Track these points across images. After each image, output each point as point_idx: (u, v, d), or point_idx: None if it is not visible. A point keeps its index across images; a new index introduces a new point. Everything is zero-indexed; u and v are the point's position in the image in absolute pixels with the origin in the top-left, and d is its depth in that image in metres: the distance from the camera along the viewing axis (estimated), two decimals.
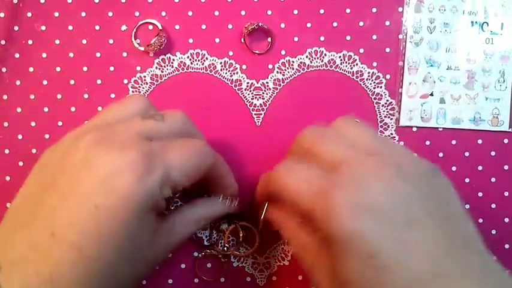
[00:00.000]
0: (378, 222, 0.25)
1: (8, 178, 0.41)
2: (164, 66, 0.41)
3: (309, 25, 0.41)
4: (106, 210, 0.26)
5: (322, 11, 0.41)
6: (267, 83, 0.42)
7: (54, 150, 0.30)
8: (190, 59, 0.41)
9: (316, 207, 0.27)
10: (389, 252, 0.24)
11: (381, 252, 0.24)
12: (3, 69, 0.41)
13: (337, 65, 0.42)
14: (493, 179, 0.42)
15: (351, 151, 0.28)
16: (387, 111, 0.42)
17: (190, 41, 0.41)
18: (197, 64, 0.41)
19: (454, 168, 0.42)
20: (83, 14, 0.41)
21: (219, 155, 0.34)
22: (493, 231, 0.42)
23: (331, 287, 0.27)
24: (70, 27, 0.41)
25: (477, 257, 0.26)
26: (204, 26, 0.41)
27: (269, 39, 0.41)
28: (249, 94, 0.41)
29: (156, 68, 0.41)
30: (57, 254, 0.25)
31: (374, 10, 0.42)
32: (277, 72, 0.42)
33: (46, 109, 0.41)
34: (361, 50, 0.42)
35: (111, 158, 0.26)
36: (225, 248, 0.41)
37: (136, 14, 0.41)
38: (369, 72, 0.42)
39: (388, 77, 0.42)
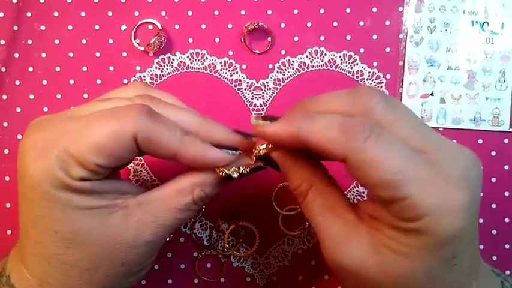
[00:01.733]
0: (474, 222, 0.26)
1: (7, 178, 0.41)
2: (164, 66, 0.41)
3: (309, 25, 0.41)
4: (22, 196, 0.28)
5: (322, 11, 0.41)
6: (267, 82, 0.41)
7: None
8: (190, 59, 0.41)
9: (428, 198, 0.23)
10: (465, 258, 0.26)
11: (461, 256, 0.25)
12: (3, 69, 0.41)
13: (338, 64, 0.42)
14: (493, 179, 0.42)
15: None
16: None
17: (190, 40, 0.41)
18: (197, 64, 0.41)
19: None
20: (83, 13, 0.41)
21: (159, 118, 0.27)
22: (493, 231, 0.42)
23: (369, 268, 0.26)
24: (70, 27, 0.41)
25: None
26: (204, 26, 0.41)
27: (269, 39, 0.41)
28: (249, 94, 0.41)
29: (156, 67, 0.41)
30: (25, 245, 0.29)
31: (374, 10, 0.41)
32: (277, 72, 0.41)
33: (46, 109, 0.41)
34: (362, 50, 0.42)
35: (22, 143, 0.27)
36: (225, 248, 0.41)
37: (136, 13, 0.41)
38: (369, 72, 0.42)
39: (388, 76, 0.42)
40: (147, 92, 0.30)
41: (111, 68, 0.41)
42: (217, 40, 0.41)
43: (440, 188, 0.24)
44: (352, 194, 0.42)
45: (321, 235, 0.27)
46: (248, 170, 0.29)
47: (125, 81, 0.41)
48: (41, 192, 0.26)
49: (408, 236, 0.24)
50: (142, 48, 0.41)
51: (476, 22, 0.41)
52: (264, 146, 0.29)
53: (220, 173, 0.29)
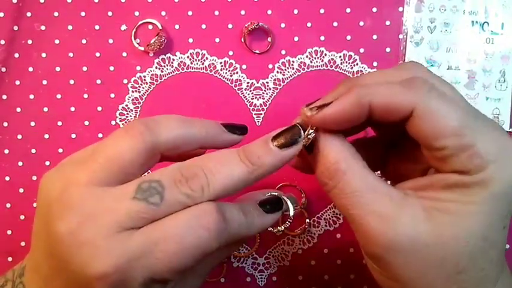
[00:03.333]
0: None
1: (7, 178, 0.41)
2: (164, 66, 0.41)
3: (309, 25, 0.41)
4: None
5: (322, 11, 0.41)
6: (267, 82, 0.41)
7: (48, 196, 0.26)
8: (190, 59, 0.41)
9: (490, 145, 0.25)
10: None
11: None
12: (3, 69, 0.41)
13: (338, 64, 0.42)
14: None
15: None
16: None
17: (190, 40, 0.41)
18: (197, 64, 0.41)
19: None
20: (83, 14, 0.41)
21: (233, 220, 0.27)
22: None
23: (429, 240, 0.25)
24: (70, 27, 0.41)
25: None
26: (204, 26, 0.41)
27: (269, 39, 0.41)
28: (249, 94, 0.41)
29: (156, 67, 0.41)
30: None
31: (374, 10, 0.41)
32: (278, 72, 0.41)
33: (46, 109, 0.41)
34: (362, 50, 0.42)
35: (79, 267, 0.24)
36: None
37: (136, 13, 0.41)
38: (369, 72, 0.42)
39: None
40: (154, 132, 0.27)
41: (111, 68, 0.41)
42: (217, 40, 0.41)
43: (500, 138, 0.25)
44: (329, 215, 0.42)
45: (366, 218, 0.26)
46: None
47: (125, 81, 0.41)
48: None
49: (470, 191, 0.25)
50: (142, 48, 0.41)
51: (476, 22, 0.41)
52: (311, 131, 0.28)
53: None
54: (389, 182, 0.36)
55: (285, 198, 0.31)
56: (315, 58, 0.41)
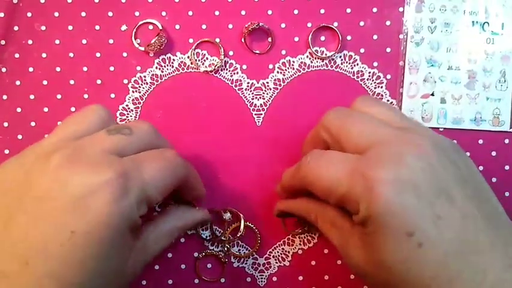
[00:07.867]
0: (419, 198, 0.25)
1: None
2: (164, 66, 0.41)
3: (309, 25, 0.41)
4: (83, 235, 0.25)
5: (322, 11, 0.41)
6: (268, 83, 0.41)
7: (14, 169, 0.28)
8: (190, 59, 0.41)
9: (355, 189, 0.26)
10: (426, 229, 0.25)
11: (419, 229, 0.25)
12: (3, 69, 0.41)
13: (338, 65, 0.41)
14: (493, 179, 0.42)
15: (384, 129, 0.28)
16: None
17: (191, 41, 0.41)
18: (197, 64, 0.41)
19: None
20: (83, 14, 0.41)
21: (189, 164, 0.34)
22: None
23: (367, 268, 0.28)
24: (70, 27, 0.41)
25: (503, 229, 0.27)
26: (204, 26, 0.41)
27: (269, 39, 0.41)
28: (249, 94, 0.41)
29: (156, 68, 0.41)
30: (33, 284, 0.24)
31: (374, 10, 0.41)
32: (278, 72, 0.41)
33: (46, 109, 0.41)
34: (362, 50, 0.42)
35: (84, 179, 0.25)
36: (226, 247, 0.41)
37: (137, 13, 0.41)
38: (369, 72, 0.42)
39: (388, 77, 0.42)
40: (109, 119, 0.31)
41: (112, 68, 0.41)
42: (217, 40, 0.41)
43: (362, 174, 0.26)
44: None
45: (336, 247, 0.32)
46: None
47: (125, 81, 0.41)
48: (113, 233, 0.25)
49: (363, 228, 0.27)
50: (142, 49, 0.41)
51: (477, 22, 0.41)
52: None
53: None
54: None
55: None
56: (315, 58, 0.41)
